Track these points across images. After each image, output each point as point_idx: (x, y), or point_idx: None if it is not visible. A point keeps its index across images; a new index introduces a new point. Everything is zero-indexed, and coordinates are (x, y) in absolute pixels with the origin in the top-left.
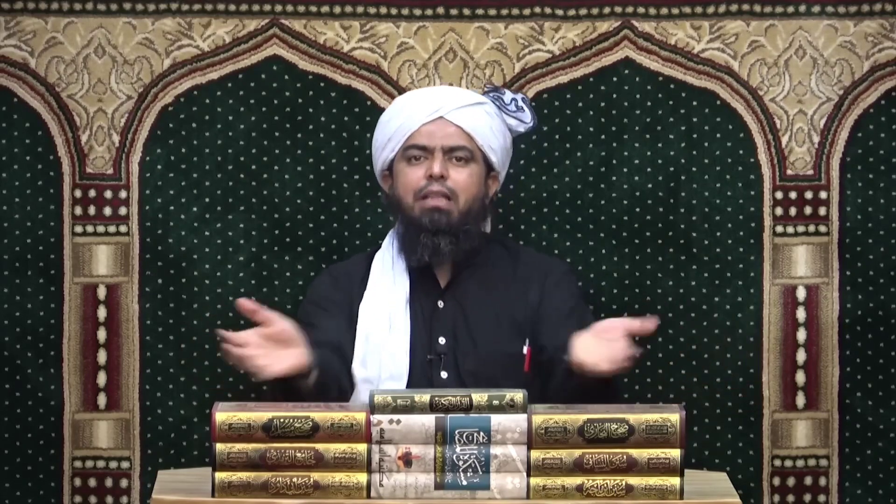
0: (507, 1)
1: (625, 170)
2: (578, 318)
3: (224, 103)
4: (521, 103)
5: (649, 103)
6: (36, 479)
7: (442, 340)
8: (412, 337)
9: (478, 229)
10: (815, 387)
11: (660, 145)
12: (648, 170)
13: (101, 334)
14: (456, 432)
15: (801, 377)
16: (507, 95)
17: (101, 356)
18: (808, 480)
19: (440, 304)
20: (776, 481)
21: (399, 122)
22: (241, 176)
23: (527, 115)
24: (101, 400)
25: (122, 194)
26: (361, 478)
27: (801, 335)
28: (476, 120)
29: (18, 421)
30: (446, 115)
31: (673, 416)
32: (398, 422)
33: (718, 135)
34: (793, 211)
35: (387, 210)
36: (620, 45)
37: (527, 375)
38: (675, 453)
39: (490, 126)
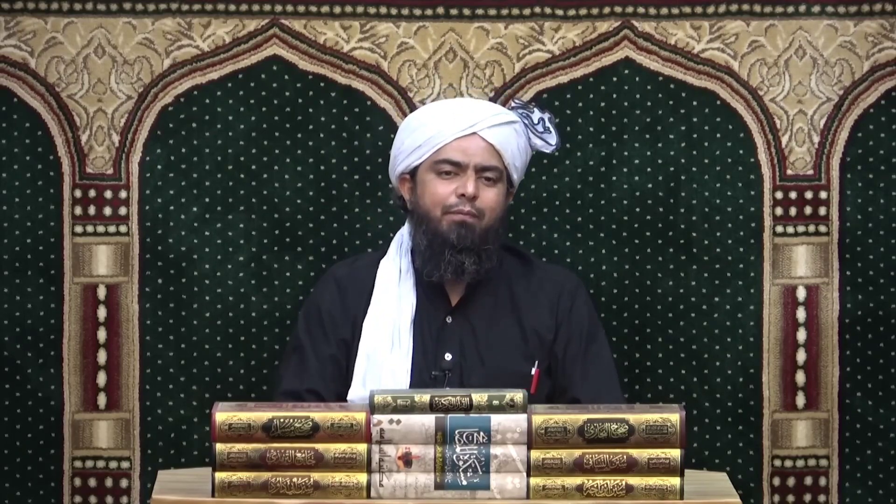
0: (507, 1)
1: (625, 170)
2: (593, 354)
3: (224, 103)
4: (548, 124)
5: (649, 103)
6: (36, 479)
7: (448, 356)
8: (417, 353)
9: (497, 248)
10: (815, 387)
11: (660, 145)
12: (648, 170)
13: (101, 334)
14: (456, 432)
15: (801, 377)
16: (535, 114)
17: (101, 356)
18: (808, 480)
19: (449, 319)
20: (776, 481)
21: (431, 132)
22: (241, 176)
23: (553, 137)
24: (101, 400)
25: (122, 194)
26: (361, 478)
27: (801, 335)
28: (507, 138)
29: (18, 421)
30: (480, 131)
31: (673, 416)
32: (398, 422)
33: (718, 135)
34: (793, 211)
35: (399, 209)
36: (620, 45)
37: (533, 397)
38: (675, 453)
39: (518, 145)
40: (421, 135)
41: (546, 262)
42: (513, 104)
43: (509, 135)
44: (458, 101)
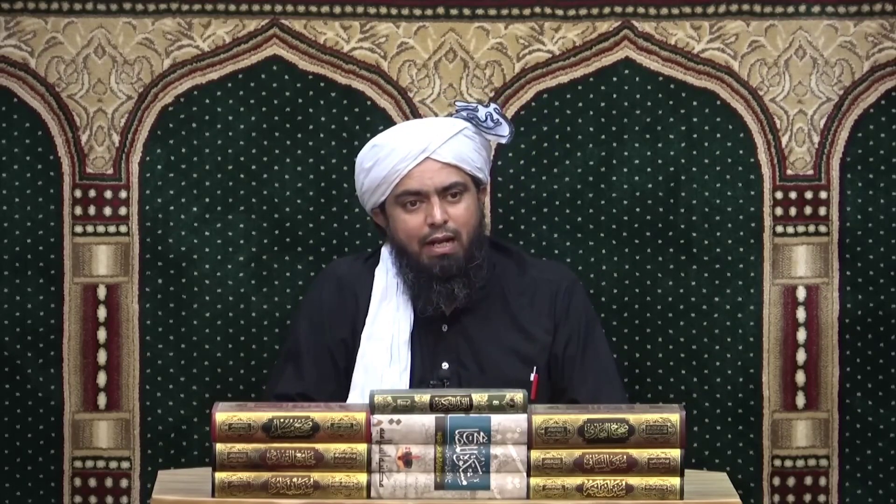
0: (507, 1)
1: (625, 170)
2: (591, 355)
3: (224, 103)
4: (496, 116)
5: (649, 103)
6: (36, 479)
7: (445, 365)
8: (414, 363)
9: (484, 257)
10: (815, 387)
11: (660, 145)
12: (648, 170)
13: (101, 334)
14: (456, 432)
15: (801, 377)
16: (481, 111)
17: (101, 356)
18: (808, 480)
19: (444, 328)
20: (776, 481)
21: (385, 169)
22: (241, 176)
23: (504, 129)
24: (101, 400)
25: (122, 194)
26: (361, 478)
27: (801, 335)
28: (461, 149)
29: (18, 421)
30: (433, 154)
31: (673, 416)
32: (398, 422)
33: (718, 135)
34: (793, 211)
35: (383, 238)
36: (620, 45)
37: (534, 403)
38: (675, 453)
39: (473, 149)
40: (377, 173)
41: (539, 258)
42: (457, 106)
43: (462, 144)
44: (404, 129)
